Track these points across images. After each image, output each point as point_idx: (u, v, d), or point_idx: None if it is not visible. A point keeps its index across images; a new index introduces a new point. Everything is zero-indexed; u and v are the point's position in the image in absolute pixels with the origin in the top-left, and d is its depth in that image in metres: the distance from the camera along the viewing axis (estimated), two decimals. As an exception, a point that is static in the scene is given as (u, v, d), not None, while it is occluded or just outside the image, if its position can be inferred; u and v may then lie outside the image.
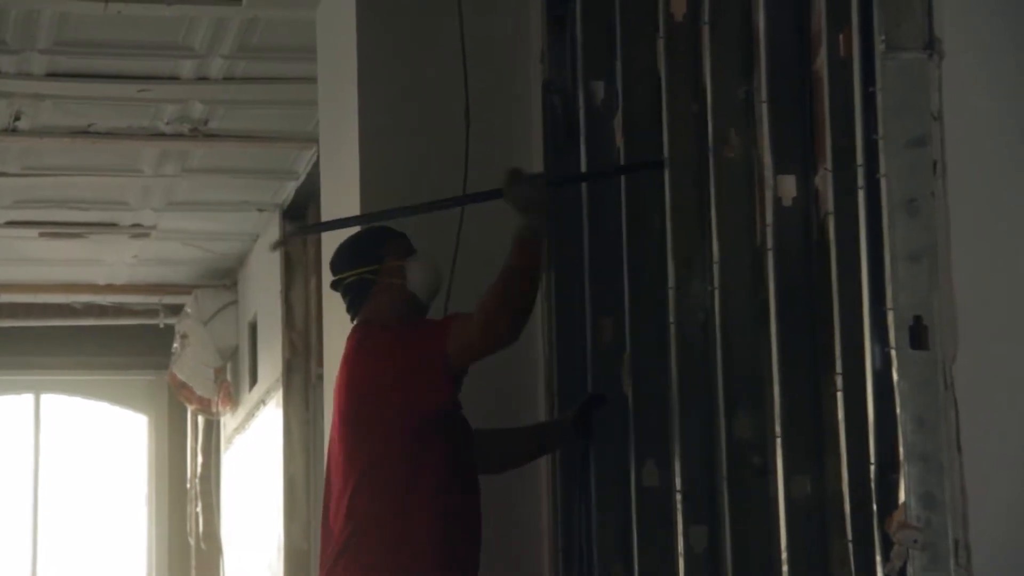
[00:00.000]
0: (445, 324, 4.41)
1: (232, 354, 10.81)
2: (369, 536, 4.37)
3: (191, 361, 10.79)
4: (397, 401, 4.38)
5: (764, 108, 4.20)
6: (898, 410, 3.45)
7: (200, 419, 11.37)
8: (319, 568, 4.52)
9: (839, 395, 3.83)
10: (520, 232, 4.38)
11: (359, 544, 4.38)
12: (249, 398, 10.27)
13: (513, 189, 4.44)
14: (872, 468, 3.64)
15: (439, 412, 4.39)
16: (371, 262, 4.57)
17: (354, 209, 5.26)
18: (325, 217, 5.84)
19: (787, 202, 4.13)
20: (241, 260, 10.51)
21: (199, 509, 11.34)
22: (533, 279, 4.37)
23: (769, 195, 4.15)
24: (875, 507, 3.61)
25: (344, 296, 4.63)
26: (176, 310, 11.10)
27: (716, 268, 4.34)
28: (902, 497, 3.44)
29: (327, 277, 4.81)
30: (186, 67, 7.36)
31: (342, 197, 5.50)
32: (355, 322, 4.61)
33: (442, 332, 4.37)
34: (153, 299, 11.09)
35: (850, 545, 3.76)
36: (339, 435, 4.50)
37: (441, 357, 4.35)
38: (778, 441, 4.05)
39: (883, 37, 3.53)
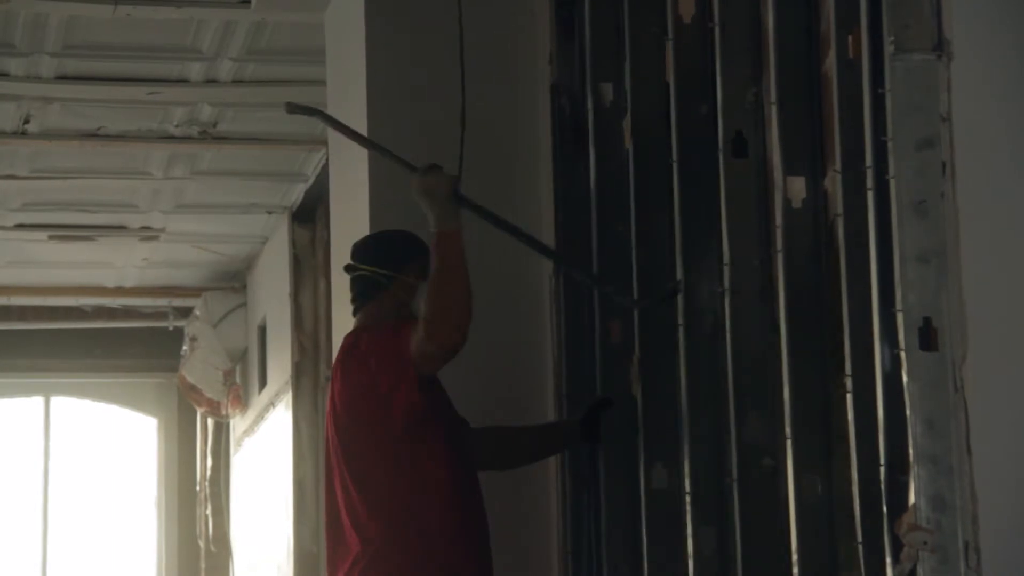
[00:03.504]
0: (408, 329, 4.39)
1: (241, 356, 10.82)
2: (381, 547, 4.37)
3: (200, 364, 10.81)
4: (376, 407, 4.39)
5: (773, 110, 4.20)
6: (908, 412, 3.45)
7: (209, 421, 11.38)
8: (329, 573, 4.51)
9: (849, 397, 3.82)
10: (432, 229, 4.37)
11: (373, 556, 4.38)
12: (258, 400, 10.27)
13: (419, 175, 4.41)
14: (882, 470, 3.63)
15: (415, 414, 4.37)
16: (391, 267, 4.54)
17: (363, 213, 5.26)
18: (334, 221, 5.84)
19: (796, 204, 4.13)
20: (250, 263, 10.52)
21: (209, 511, 11.35)
22: (454, 275, 4.31)
23: (778, 197, 4.15)
24: (885, 509, 3.60)
25: (352, 287, 4.62)
26: (185, 313, 11.11)
27: (726, 270, 4.33)
28: (912, 499, 3.44)
29: (336, 280, 4.80)
30: (195, 70, 7.38)
31: (351, 199, 5.50)
32: (355, 320, 4.60)
33: (406, 336, 4.37)
34: (162, 302, 11.11)
35: (860, 547, 3.76)
36: (334, 444, 4.51)
37: (406, 361, 4.35)
38: (788, 443, 4.05)
39: (892, 38, 3.53)
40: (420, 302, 4.39)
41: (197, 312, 10.89)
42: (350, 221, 5.45)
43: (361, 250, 4.63)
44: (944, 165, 3.42)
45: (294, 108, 4.70)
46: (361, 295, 4.58)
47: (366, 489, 4.41)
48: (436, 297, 4.30)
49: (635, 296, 4.72)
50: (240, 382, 10.84)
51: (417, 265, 4.53)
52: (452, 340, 4.31)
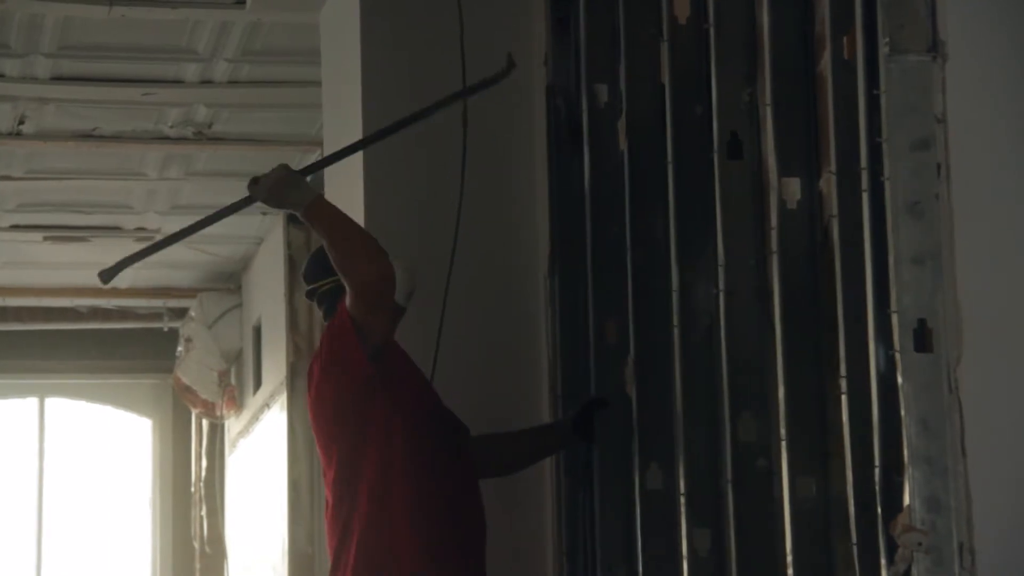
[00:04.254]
0: (344, 308, 4.43)
1: (236, 357, 10.81)
2: (357, 543, 4.37)
3: (195, 365, 10.80)
4: (334, 390, 4.41)
5: (768, 111, 4.20)
6: (902, 413, 3.45)
7: (204, 423, 11.39)
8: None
9: (843, 398, 3.82)
10: (301, 217, 4.43)
11: (343, 554, 4.38)
12: (253, 401, 10.27)
13: (255, 193, 4.45)
14: (876, 471, 3.64)
15: (366, 381, 4.37)
16: None
17: (359, 213, 5.26)
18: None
19: (791, 205, 4.13)
20: (245, 263, 10.52)
21: (203, 512, 11.35)
22: (341, 228, 4.37)
23: (774, 198, 4.15)
24: (880, 510, 3.61)
25: (320, 305, 4.61)
26: (180, 314, 11.11)
27: (721, 271, 4.33)
28: (906, 500, 3.44)
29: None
30: (190, 70, 7.37)
31: (346, 201, 5.49)
32: None
33: (344, 313, 4.40)
34: (157, 303, 11.11)
35: (854, 548, 3.76)
36: (317, 442, 4.54)
37: (350, 337, 4.36)
38: (782, 444, 4.05)
39: (887, 40, 3.53)
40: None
41: (192, 313, 10.89)
42: (345, 222, 5.44)
43: (311, 272, 4.65)
44: (939, 166, 3.42)
45: (107, 275, 4.75)
46: (329, 308, 4.58)
47: (338, 482, 4.42)
48: (340, 255, 4.33)
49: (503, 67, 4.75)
50: (235, 383, 10.84)
51: None
52: (379, 283, 4.31)
